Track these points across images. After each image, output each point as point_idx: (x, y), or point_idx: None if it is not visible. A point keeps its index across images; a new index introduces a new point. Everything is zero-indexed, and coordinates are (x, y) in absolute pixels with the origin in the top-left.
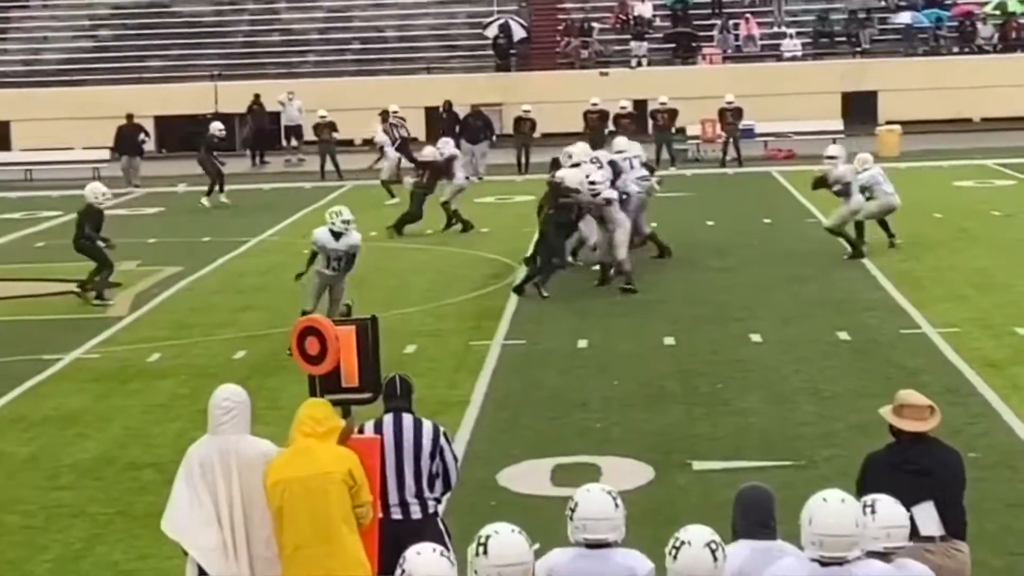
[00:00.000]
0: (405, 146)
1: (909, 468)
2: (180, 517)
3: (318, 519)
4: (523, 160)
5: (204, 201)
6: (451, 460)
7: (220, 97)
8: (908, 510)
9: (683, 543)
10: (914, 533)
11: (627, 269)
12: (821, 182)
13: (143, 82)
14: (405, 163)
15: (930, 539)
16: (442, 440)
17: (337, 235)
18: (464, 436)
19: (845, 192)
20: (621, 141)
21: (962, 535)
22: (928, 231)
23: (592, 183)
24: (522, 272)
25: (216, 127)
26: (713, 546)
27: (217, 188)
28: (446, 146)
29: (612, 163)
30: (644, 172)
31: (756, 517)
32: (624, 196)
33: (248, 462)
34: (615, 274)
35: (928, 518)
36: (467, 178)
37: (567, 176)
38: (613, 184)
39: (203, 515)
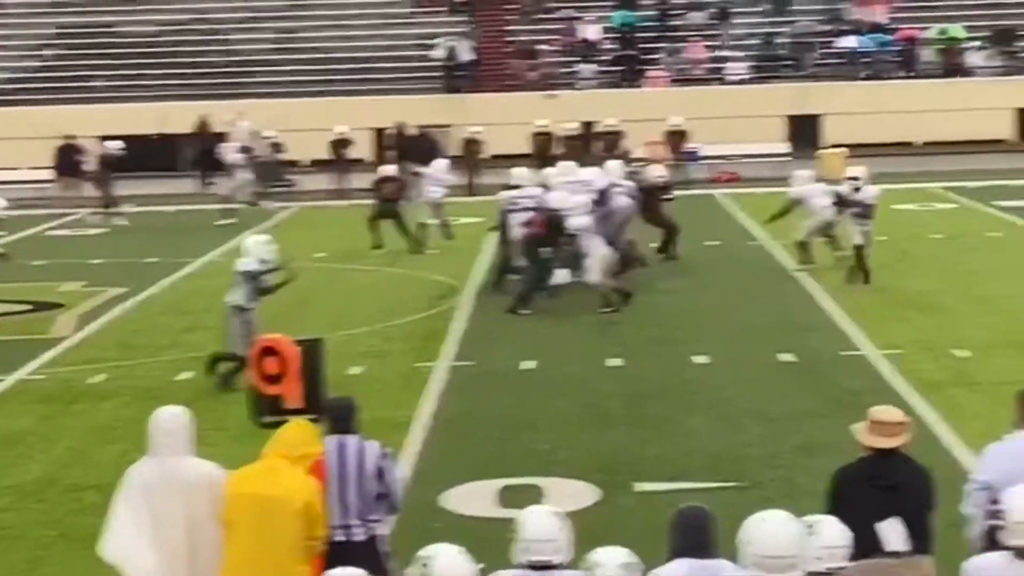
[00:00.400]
0: (270, 169)
1: (879, 483)
2: (120, 540)
3: (266, 542)
4: (472, 181)
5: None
6: (395, 482)
7: (166, 118)
8: (875, 524)
9: (596, 564)
10: (877, 548)
11: (605, 290)
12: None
13: (88, 102)
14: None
15: (896, 554)
16: (386, 462)
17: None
18: (410, 458)
19: (864, 215)
20: (568, 166)
21: (928, 551)
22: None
23: (568, 208)
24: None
25: (114, 146)
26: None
27: (108, 208)
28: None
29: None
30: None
31: (695, 537)
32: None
33: (190, 484)
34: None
35: (895, 533)
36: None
37: (550, 198)
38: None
39: (144, 538)
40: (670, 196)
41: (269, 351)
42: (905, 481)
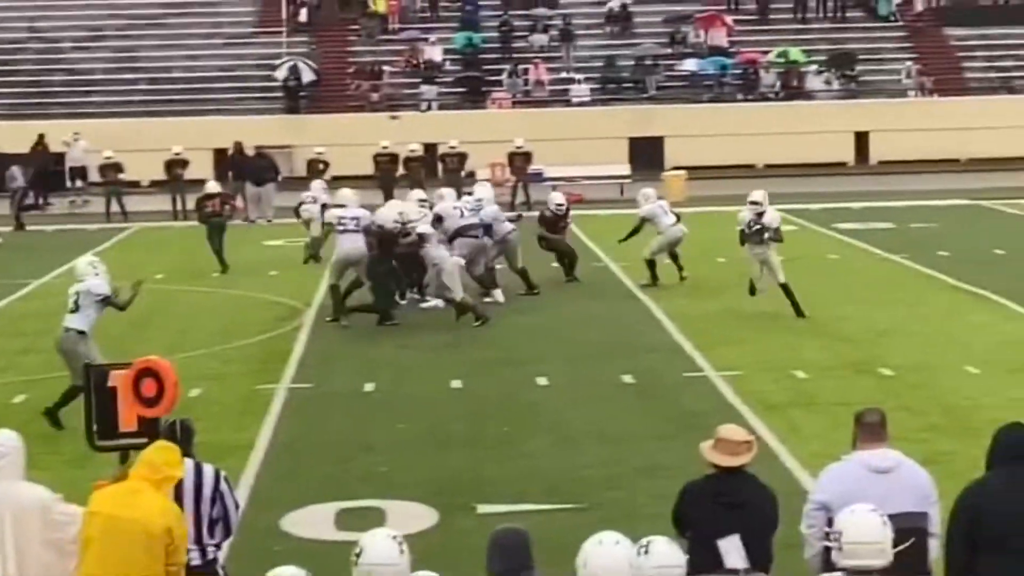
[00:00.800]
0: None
1: (722, 500)
2: None
3: (123, 565)
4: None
5: None
6: (231, 506)
7: (2, 137)
8: (717, 541)
9: None
10: (720, 565)
11: (469, 304)
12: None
13: None
14: None
15: (734, 572)
16: (223, 485)
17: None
18: (248, 480)
19: (775, 238)
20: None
21: (767, 570)
22: (712, 275)
23: (406, 221)
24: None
25: None
26: None
27: None
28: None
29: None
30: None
31: (514, 560)
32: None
33: (22, 509)
34: (458, 311)
35: (734, 551)
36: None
37: (379, 214)
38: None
39: None
40: (568, 222)
41: (146, 372)
42: (749, 499)
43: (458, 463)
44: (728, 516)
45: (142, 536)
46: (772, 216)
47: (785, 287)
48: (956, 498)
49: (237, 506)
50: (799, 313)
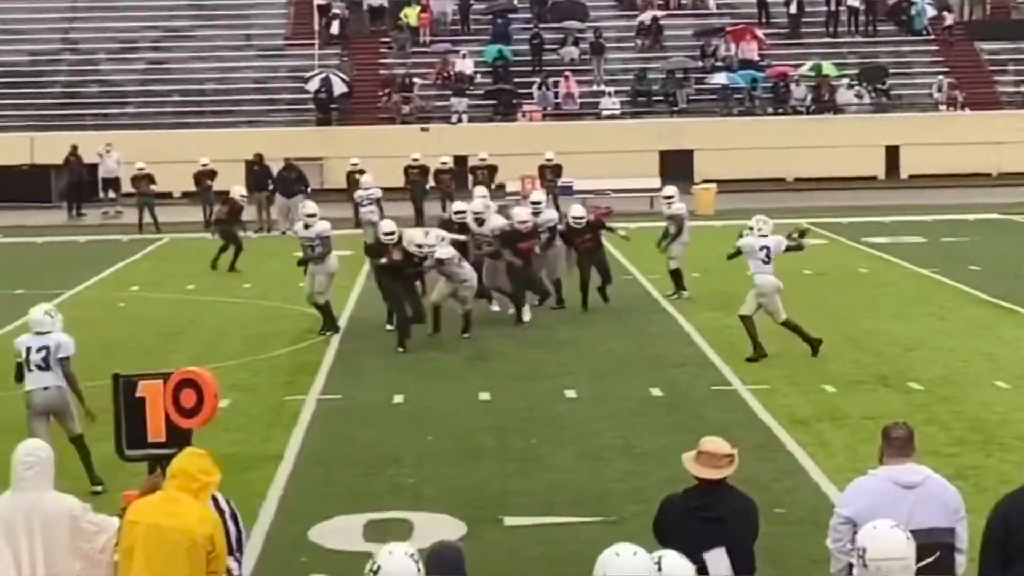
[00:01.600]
0: None
1: (704, 515)
2: None
3: (166, 573)
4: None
5: None
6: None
7: (36, 148)
8: (701, 554)
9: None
10: None
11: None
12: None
13: None
14: None
15: None
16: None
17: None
18: (276, 492)
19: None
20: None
21: None
22: (741, 289)
23: (419, 246)
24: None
25: None
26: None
27: None
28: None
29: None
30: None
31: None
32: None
33: (51, 519)
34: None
35: (720, 563)
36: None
37: (406, 235)
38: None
39: (3, 572)
40: (592, 237)
41: (187, 383)
42: (730, 512)
43: (485, 475)
44: (710, 528)
45: (185, 544)
46: (776, 240)
47: (787, 324)
48: (989, 512)
49: (242, 531)
50: (814, 350)
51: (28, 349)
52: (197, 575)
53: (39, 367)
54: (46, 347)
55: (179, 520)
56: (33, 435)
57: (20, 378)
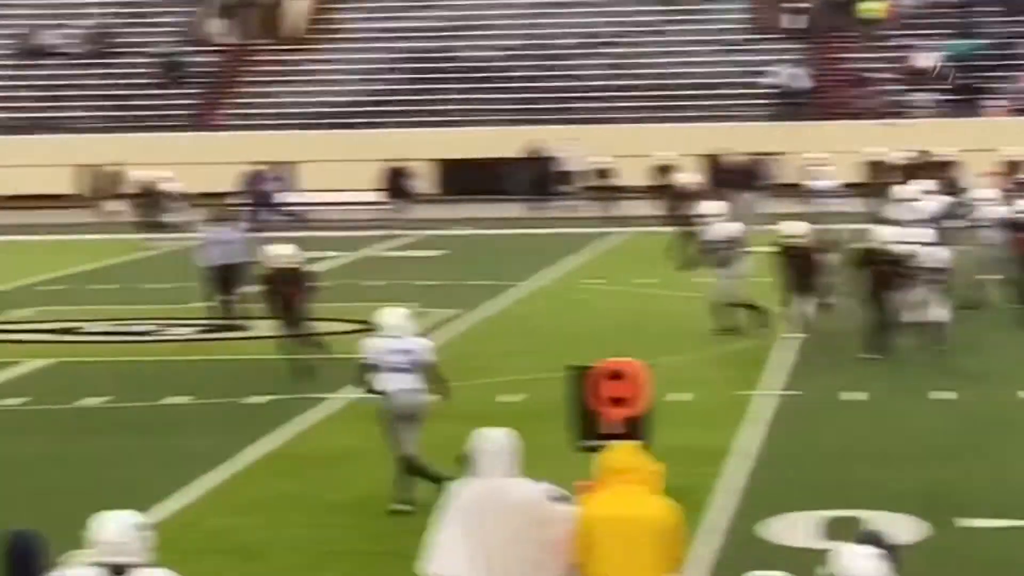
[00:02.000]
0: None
1: None
2: (446, 558)
3: (633, 561)
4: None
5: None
6: None
7: (497, 142)
8: None
9: None
10: None
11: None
12: None
13: (425, 126)
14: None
15: None
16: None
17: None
18: (733, 485)
19: None
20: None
21: None
22: None
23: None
24: None
25: None
26: None
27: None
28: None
29: None
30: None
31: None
32: None
33: (510, 505)
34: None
35: None
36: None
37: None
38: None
39: (469, 557)
40: None
41: (615, 375)
42: None
43: (944, 475)
44: None
45: (651, 533)
46: None
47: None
48: None
49: None
50: None
51: (384, 352)
52: (661, 563)
53: (405, 369)
54: (409, 351)
55: (645, 510)
56: (393, 438)
57: (362, 380)
